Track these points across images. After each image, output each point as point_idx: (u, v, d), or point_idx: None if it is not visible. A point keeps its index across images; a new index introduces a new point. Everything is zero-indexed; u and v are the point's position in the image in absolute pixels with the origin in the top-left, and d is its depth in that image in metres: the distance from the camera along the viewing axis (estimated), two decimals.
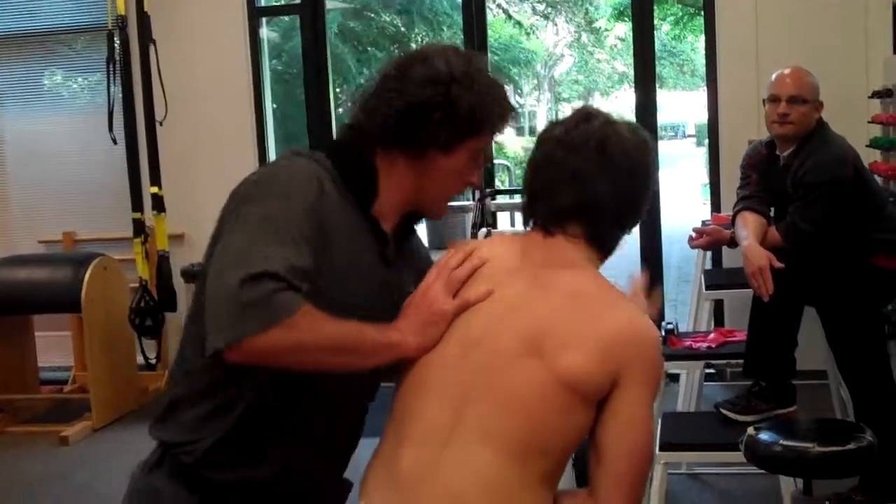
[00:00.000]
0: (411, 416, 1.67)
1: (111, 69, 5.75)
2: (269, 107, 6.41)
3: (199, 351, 1.62)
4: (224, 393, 1.72)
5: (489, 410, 1.59)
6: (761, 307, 3.63)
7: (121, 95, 5.81)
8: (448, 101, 1.74)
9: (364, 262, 1.76)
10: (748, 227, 3.74)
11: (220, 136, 6.25)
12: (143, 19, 5.66)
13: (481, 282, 1.73)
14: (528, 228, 1.80)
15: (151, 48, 5.68)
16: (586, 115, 1.77)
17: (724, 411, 3.59)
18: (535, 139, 1.84)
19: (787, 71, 3.83)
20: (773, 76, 3.84)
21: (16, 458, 5.23)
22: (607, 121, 1.76)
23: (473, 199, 5.80)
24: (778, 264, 3.48)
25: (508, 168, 15.31)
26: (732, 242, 4.02)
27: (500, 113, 1.81)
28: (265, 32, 6.48)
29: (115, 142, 5.77)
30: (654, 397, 1.65)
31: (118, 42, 5.80)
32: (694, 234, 4.33)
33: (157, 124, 5.72)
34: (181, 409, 1.79)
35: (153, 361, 5.89)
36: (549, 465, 1.61)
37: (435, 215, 1.88)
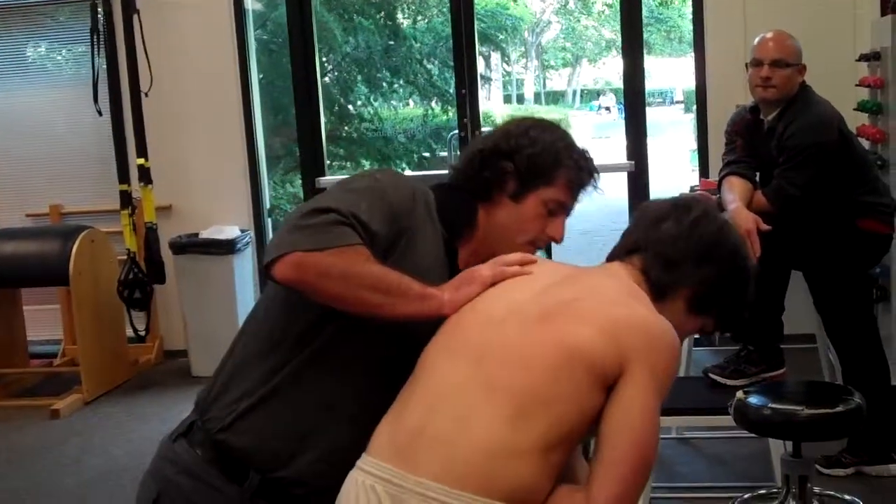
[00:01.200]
0: (426, 373, 1.69)
1: (95, 40, 5.72)
2: (254, 77, 6.37)
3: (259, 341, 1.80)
4: (269, 365, 1.77)
5: (496, 367, 1.62)
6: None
7: (105, 66, 5.77)
8: (514, 149, 1.88)
9: (432, 281, 1.78)
10: (734, 192, 3.74)
11: (205, 106, 6.21)
12: None
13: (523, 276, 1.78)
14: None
15: (135, 18, 5.65)
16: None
17: (712, 376, 3.61)
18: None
19: (769, 35, 3.82)
20: (756, 40, 3.83)
21: (7, 432, 5.23)
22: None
23: None
24: (765, 227, 3.48)
25: None
26: (719, 207, 4.01)
27: (577, 169, 1.91)
28: (250, 2, 6.43)
29: (100, 113, 5.74)
30: (662, 393, 1.62)
31: (102, 13, 5.76)
32: None
33: (143, 95, 5.70)
34: (229, 389, 1.83)
35: (142, 333, 5.89)
36: (550, 433, 1.57)
37: None
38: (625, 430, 1.57)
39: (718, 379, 3.59)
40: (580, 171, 1.92)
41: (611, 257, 1.87)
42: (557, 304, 1.67)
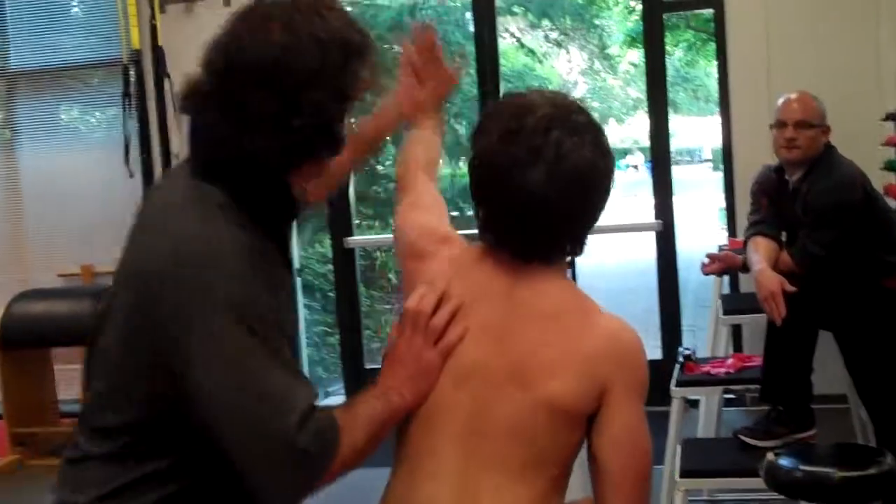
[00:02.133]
0: (422, 454, 1.68)
1: (127, 103, 5.81)
2: None
3: (119, 409, 1.58)
4: (150, 465, 1.60)
5: (491, 442, 1.63)
6: (776, 332, 3.62)
7: (137, 129, 5.85)
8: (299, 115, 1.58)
9: (288, 287, 1.71)
10: (760, 252, 3.74)
11: None
12: (158, 53, 5.71)
13: (458, 314, 1.71)
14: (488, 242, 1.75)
15: (166, 81, 5.73)
16: (558, 140, 1.65)
17: (742, 437, 3.58)
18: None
19: (793, 96, 3.84)
20: (780, 101, 3.85)
21: (36, 492, 5.20)
22: (580, 140, 1.66)
23: None
24: (790, 288, 3.47)
25: None
26: (745, 268, 4.01)
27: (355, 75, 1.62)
28: None
29: (131, 175, 5.82)
30: (643, 395, 1.68)
31: (133, 76, 5.85)
32: (707, 261, 4.32)
33: (174, 157, 5.76)
34: (96, 469, 1.63)
35: None
36: (555, 476, 1.66)
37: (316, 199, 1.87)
38: (622, 452, 1.64)
39: (749, 440, 3.55)
40: (357, 76, 1.63)
41: (527, 257, 1.71)
42: (520, 361, 1.64)
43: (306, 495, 1.56)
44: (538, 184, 1.62)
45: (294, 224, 1.82)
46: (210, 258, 1.52)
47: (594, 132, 1.69)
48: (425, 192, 2.02)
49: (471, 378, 1.66)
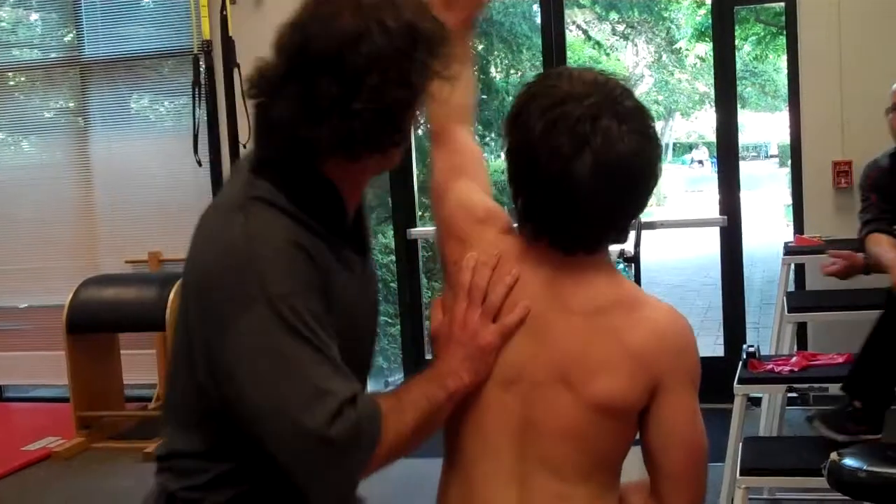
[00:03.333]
0: (477, 458, 1.66)
1: (196, 93, 5.88)
2: None
3: (195, 402, 1.62)
4: (228, 461, 1.65)
5: (545, 445, 1.61)
6: (882, 329, 3.53)
7: (206, 118, 5.93)
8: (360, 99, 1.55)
9: (358, 286, 1.70)
10: (884, 244, 3.65)
11: None
12: (228, 44, 5.78)
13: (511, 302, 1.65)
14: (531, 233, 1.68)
15: (235, 72, 5.79)
16: (606, 129, 1.57)
17: (815, 424, 3.50)
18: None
19: None
20: (894, 86, 3.79)
21: (102, 474, 5.33)
22: (627, 127, 1.59)
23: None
24: None
25: None
26: (867, 269, 3.90)
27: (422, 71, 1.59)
28: None
29: (199, 164, 5.90)
30: (697, 386, 1.64)
31: (203, 66, 5.93)
32: (829, 261, 4.13)
33: (242, 147, 5.83)
34: (186, 461, 1.70)
35: None
36: (610, 473, 1.65)
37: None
38: (678, 447, 1.62)
39: (821, 428, 3.47)
40: (426, 69, 1.60)
41: (570, 250, 1.65)
42: (565, 360, 1.60)
43: (351, 484, 1.53)
44: (584, 174, 1.55)
45: (363, 216, 1.78)
46: (250, 259, 1.53)
47: (641, 118, 1.63)
48: (463, 149, 1.92)
49: (517, 379, 1.63)
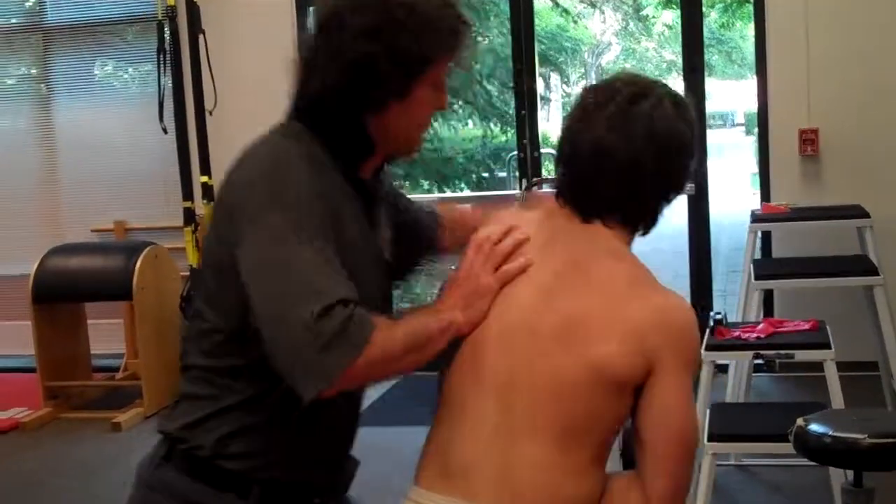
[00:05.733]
0: (462, 405, 1.68)
1: (161, 59, 5.81)
2: None
3: (206, 343, 1.71)
4: (231, 390, 1.71)
5: (533, 400, 1.62)
6: None
7: (171, 85, 5.86)
8: (390, 49, 1.66)
9: (363, 233, 1.75)
10: None
11: (269, 125, 6.18)
12: (193, 9, 5.70)
13: (518, 255, 1.72)
14: (560, 203, 1.75)
15: (201, 38, 5.72)
16: (635, 95, 1.69)
17: None
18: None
19: None
20: None
21: (69, 444, 5.31)
22: (659, 99, 1.70)
23: (520, 188, 5.80)
24: None
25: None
26: None
27: (451, 33, 1.71)
28: (315, 22, 6.50)
29: (165, 131, 5.83)
30: (693, 372, 1.66)
31: (168, 32, 5.85)
32: None
33: (207, 114, 5.77)
34: (189, 405, 1.77)
35: None
36: (594, 448, 1.65)
37: (411, 153, 1.86)
38: (667, 429, 1.62)
39: None
40: (456, 33, 1.72)
41: (587, 214, 1.72)
42: (569, 318, 1.63)
43: (329, 381, 1.51)
44: (607, 139, 1.66)
45: (382, 171, 1.86)
46: (268, 173, 1.64)
47: (673, 101, 1.71)
48: None
49: (517, 332, 1.65)
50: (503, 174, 11.91)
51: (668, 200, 1.76)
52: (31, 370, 5.91)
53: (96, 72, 7.03)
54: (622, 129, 1.66)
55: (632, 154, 1.67)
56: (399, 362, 1.60)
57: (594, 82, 1.81)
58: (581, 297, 1.64)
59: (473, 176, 12.46)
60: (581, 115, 1.72)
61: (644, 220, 1.74)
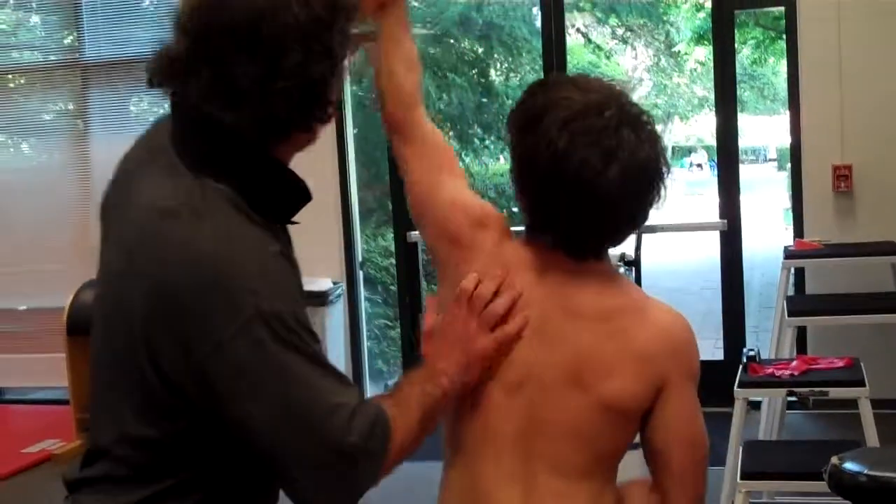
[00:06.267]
0: (481, 459, 1.66)
1: None
2: (349, 130, 6.47)
3: (144, 421, 1.52)
4: (167, 481, 1.53)
5: (550, 444, 1.64)
6: None
7: None
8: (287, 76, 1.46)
9: (300, 283, 1.63)
10: None
11: (301, 159, 6.23)
12: None
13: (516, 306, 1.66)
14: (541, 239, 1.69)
15: None
16: (628, 140, 1.60)
17: None
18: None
19: None
20: None
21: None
22: (632, 130, 1.62)
23: None
24: None
25: None
26: None
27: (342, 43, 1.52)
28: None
29: None
30: (696, 387, 1.69)
31: None
32: None
33: None
34: (112, 486, 1.59)
35: None
36: (610, 469, 1.70)
37: None
38: (682, 442, 1.66)
39: None
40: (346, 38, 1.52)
41: (582, 254, 1.67)
42: (575, 362, 1.62)
43: (364, 490, 1.49)
44: (614, 185, 1.58)
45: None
46: (233, 266, 1.43)
47: (649, 123, 1.66)
48: (434, 144, 1.88)
49: (525, 382, 1.64)
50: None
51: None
52: (64, 402, 5.95)
53: (132, 108, 7.11)
54: (630, 181, 1.61)
55: (636, 204, 1.65)
56: (416, 444, 1.57)
57: (555, 90, 1.68)
58: (584, 337, 1.64)
59: (504, 211, 12.46)
60: (578, 152, 1.59)
61: (618, 243, 1.75)
